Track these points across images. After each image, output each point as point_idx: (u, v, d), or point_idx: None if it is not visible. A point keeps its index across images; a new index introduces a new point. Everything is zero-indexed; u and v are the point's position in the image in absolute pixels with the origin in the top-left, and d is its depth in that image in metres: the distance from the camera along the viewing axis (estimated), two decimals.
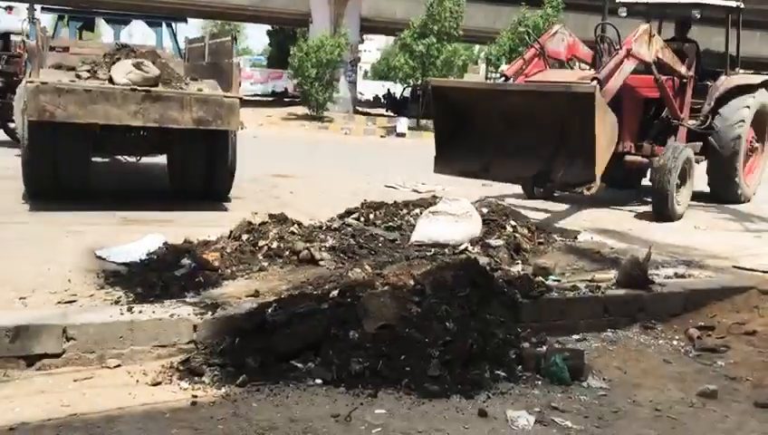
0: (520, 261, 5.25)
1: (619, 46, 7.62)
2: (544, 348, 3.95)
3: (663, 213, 7.97)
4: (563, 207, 8.58)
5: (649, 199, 8.53)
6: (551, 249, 5.81)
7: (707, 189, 9.71)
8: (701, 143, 9.19)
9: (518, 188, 9.08)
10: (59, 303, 3.87)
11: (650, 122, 8.97)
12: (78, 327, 3.47)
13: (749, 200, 9.76)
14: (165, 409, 3.08)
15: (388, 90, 36.79)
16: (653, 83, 8.28)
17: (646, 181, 9.60)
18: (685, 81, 8.90)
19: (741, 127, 9.25)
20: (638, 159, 8.71)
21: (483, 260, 4.77)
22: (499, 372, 3.63)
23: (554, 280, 4.75)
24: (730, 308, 4.73)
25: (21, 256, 4.85)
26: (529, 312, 4.23)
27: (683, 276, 5.18)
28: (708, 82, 9.45)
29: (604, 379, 3.74)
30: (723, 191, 9.54)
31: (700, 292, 4.81)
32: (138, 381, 3.35)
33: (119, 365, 3.48)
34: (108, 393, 3.20)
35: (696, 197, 9.08)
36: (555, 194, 9.04)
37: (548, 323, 4.28)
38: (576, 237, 6.36)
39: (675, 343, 4.35)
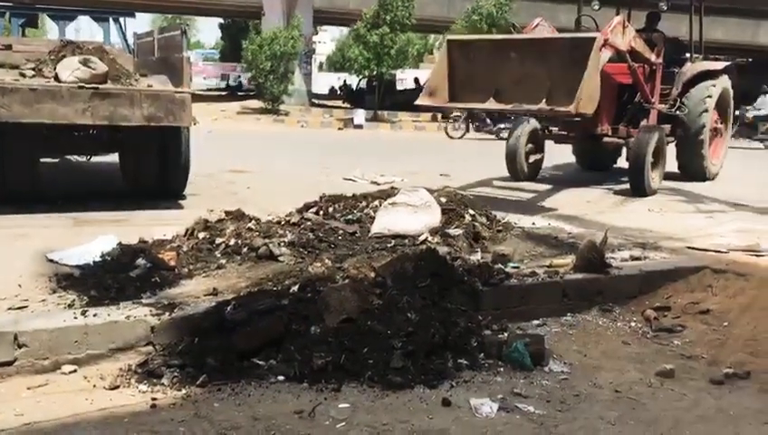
0: (479, 249, 5.27)
1: None
2: (506, 335, 3.98)
3: (639, 188, 8.79)
4: (545, 187, 9.29)
5: (624, 179, 9.37)
6: (509, 236, 5.85)
7: (677, 170, 10.48)
8: (670, 125, 10.02)
9: (498, 173, 10.00)
10: (9, 309, 3.75)
11: (624, 107, 9.72)
12: (30, 333, 3.36)
13: (715, 177, 10.68)
14: (123, 413, 3.01)
15: (344, 81, 36.65)
16: (626, 70, 8.93)
17: (619, 164, 10.54)
18: (654, 68, 9.59)
19: (705, 115, 10.13)
20: (615, 140, 9.59)
21: (442, 250, 4.78)
22: (462, 361, 3.64)
23: (513, 267, 4.79)
24: (685, 288, 4.83)
25: None
26: (489, 299, 4.25)
27: (639, 259, 5.26)
28: (675, 69, 10.25)
29: (565, 363, 3.79)
30: (691, 169, 10.43)
31: (655, 273, 4.90)
32: (95, 385, 3.27)
33: (74, 371, 3.38)
34: (64, 400, 3.12)
35: (667, 176, 9.74)
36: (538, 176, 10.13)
37: (508, 309, 4.31)
38: (534, 223, 6.43)
39: (633, 324, 4.43)
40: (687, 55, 10.83)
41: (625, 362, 3.86)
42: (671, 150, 10.14)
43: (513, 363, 3.68)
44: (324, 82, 43.32)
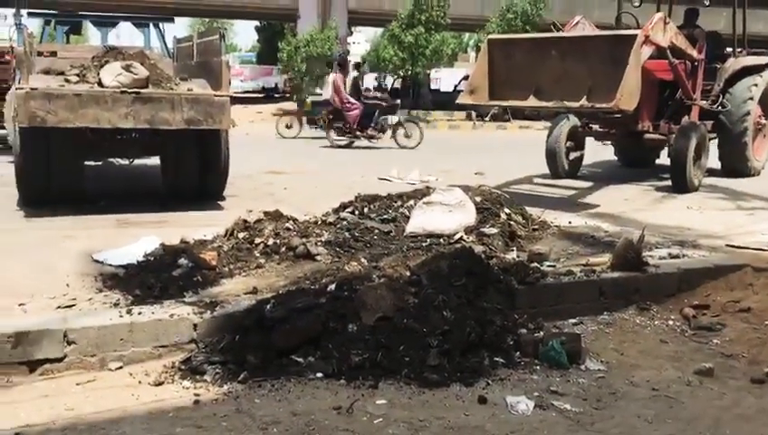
0: (515, 248, 5.28)
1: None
2: (542, 333, 3.98)
3: (681, 185, 8.77)
4: (584, 184, 9.30)
5: (665, 176, 9.38)
6: (545, 235, 5.85)
7: (719, 166, 10.39)
8: (712, 121, 9.91)
9: (537, 170, 10.06)
10: (58, 308, 3.89)
11: (666, 103, 9.65)
12: (78, 331, 3.49)
13: (759, 173, 10.50)
14: (168, 408, 3.11)
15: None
16: (667, 67, 8.84)
17: (661, 160, 10.50)
18: (696, 64, 9.48)
19: (749, 105, 9.98)
20: (657, 136, 9.52)
21: (478, 248, 4.81)
22: (498, 359, 3.67)
23: (549, 266, 4.79)
24: (724, 286, 4.77)
25: (18, 262, 4.86)
26: (525, 298, 4.27)
27: (677, 257, 5.21)
28: (717, 65, 10.15)
29: (602, 361, 3.79)
30: (733, 166, 10.30)
31: (694, 271, 4.84)
32: (140, 381, 3.39)
33: (120, 367, 3.51)
34: (111, 395, 3.23)
35: (710, 172, 9.76)
36: (578, 174, 10.15)
37: (544, 308, 4.32)
38: (570, 222, 6.41)
39: (670, 322, 4.39)
40: (729, 50, 10.67)
41: (663, 360, 3.84)
42: (713, 147, 10.03)
43: (549, 362, 3.69)
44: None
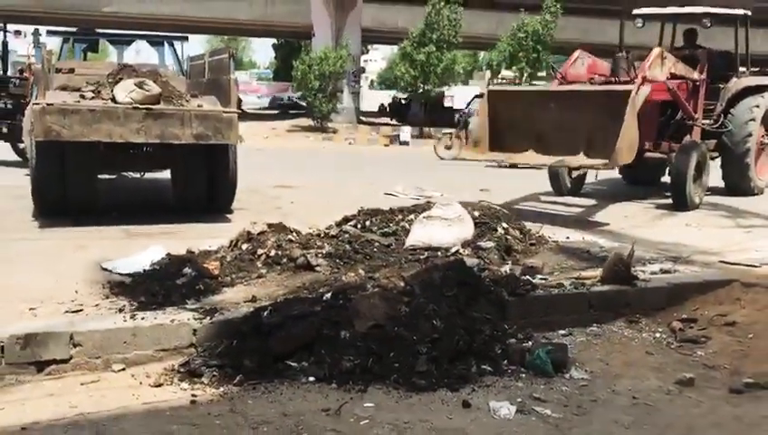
0: (510, 262, 5.41)
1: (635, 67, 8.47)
2: (530, 343, 4.12)
3: (681, 203, 8.86)
4: (586, 202, 9.47)
5: (668, 194, 9.46)
6: (542, 250, 5.98)
7: (722, 184, 10.47)
8: (715, 141, 10.02)
9: (541, 188, 10.14)
10: (66, 312, 4.08)
11: (667, 123, 9.78)
12: (84, 334, 3.68)
13: (762, 192, 10.56)
14: (166, 407, 3.28)
15: (393, 98, 37.03)
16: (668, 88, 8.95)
17: (666, 179, 10.43)
18: (698, 84, 9.61)
19: (751, 127, 10.05)
20: (657, 155, 9.65)
21: (471, 261, 4.95)
22: (485, 367, 3.80)
23: (542, 278, 4.92)
24: (713, 301, 4.88)
25: (31, 269, 5.08)
26: (516, 309, 4.40)
27: (668, 272, 5.32)
28: (720, 85, 10.22)
29: (586, 371, 3.91)
30: (736, 185, 10.38)
31: (683, 286, 4.96)
32: (141, 383, 3.56)
33: (123, 369, 3.68)
34: (113, 395, 3.41)
35: (714, 191, 9.87)
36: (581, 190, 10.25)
37: (534, 319, 4.45)
38: (568, 237, 6.54)
39: (657, 335, 4.51)
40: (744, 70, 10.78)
41: (646, 370, 3.96)
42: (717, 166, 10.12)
43: (535, 370, 3.83)
44: (375, 99, 43.85)
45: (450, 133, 17.93)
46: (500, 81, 25.53)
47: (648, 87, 8.10)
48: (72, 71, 8.63)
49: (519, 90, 10.15)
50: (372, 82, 63.25)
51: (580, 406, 3.46)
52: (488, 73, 32.91)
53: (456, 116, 17.54)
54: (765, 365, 3.98)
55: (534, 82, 24.91)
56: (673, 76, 8.69)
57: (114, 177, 9.64)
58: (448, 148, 17.03)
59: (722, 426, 3.30)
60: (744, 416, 3.40)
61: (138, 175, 9.36)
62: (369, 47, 47.81)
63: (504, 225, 6.04)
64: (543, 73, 25.12)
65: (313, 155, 17.62)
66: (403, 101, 31.84)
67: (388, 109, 37.17)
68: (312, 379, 3.58)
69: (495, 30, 28.69)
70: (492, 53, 26.74)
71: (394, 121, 29.21)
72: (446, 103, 33.28)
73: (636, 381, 3.80)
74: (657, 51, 8.54)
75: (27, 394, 3.40)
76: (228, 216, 7.71)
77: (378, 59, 69.83)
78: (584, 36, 31.29)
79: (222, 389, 3.48)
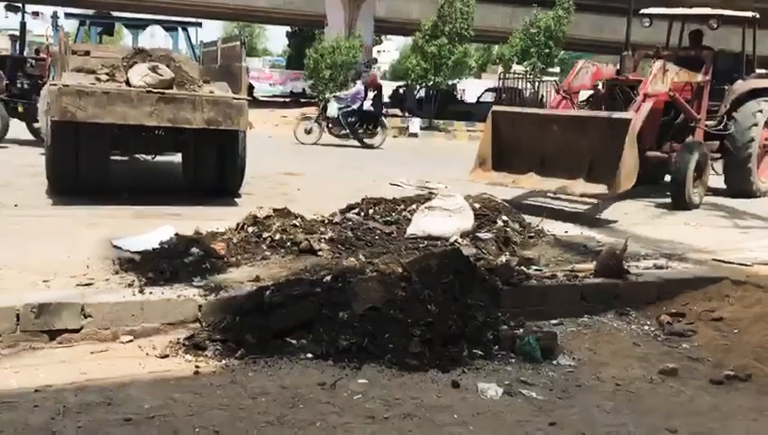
0: (507, 253, 5.57)
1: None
2: (521, 330, 4.27)
3: (680, 202, 8.95)
4: (591, 199, 9.28)
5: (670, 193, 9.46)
6: (540, 242, 6.13)
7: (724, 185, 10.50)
8: (717, 142, 10.06)
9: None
10: (78, 285, 4.27)
11: (670, 124, 9.84)
12: (95, 306, 3.87)
13: (765, 195, 10.58)
14: (170, 377, 3.47)
15: (403, 89, 37.03)
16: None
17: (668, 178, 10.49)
18: (702, 85, 9.70)
19: (753, 132, 10.05)
20: (658, 154, 9.71)
21: (468, 250, 5.11)
22: (476, 351, 3.97)
23: (537, 270, 5.07)
24: (702, 297, 5.01)
25: (44, 245, 5.27)
26: (509, 298, 4.56)
27: (661, 268, 5.47)
28: (725, 86, 10.25)
29: (574, 358, 4.06)
30: (738, 186, 10.38)
31: (674, 282, 5.10)
32: (147, 354, 3.74)
33: (131, 340, 3.87)
34: (120, 364, 3.60)
35: (715, 192, 9.96)
36: None
37: (528, 308, 4.60)
38: (566, 231, 6.68)
39: (646, 328, 4.66)
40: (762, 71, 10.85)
41: (632, 360, 4.11)
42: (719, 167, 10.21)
43: (524, 356, 3.98)
44: (387, 90, 43.79)
45: (310, 117, 17.85)
46: (512, 74, 25.54)
47: (650, 103, 8.30)
48: (87, 53, 8.81)
49: (523, 111, 10.23)
50: (385, 73, 63.21)
51: (564, 390, 3.61)
52: (500, 68, 32.97)
53: (323, 103, 17.75)
54: (747, 359, 4.12)
55: (545, 79, 24.98)
56: (674, 86, 8.83)
57: (126, 159, 9.84)
58: (308, 132, 16.91)
59: (700, 413, 3.45)
60: (722, 405, 3.55)
61: (149, 157, 9.55)
62: (383, 38, 47.79)
63: (504, 217, 6.20)
64: (557, 69, 25.09)
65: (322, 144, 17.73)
66: (402, 90, 31.83)
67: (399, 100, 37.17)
68: (309, 355, 3.75)
69: (510, 24, 28.75)
70: (503, 47, 26.77)
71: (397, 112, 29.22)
72: (459, 96, 33.37)
73: (621, 369, 3.95)
74: (658, 64, 8.69)
75: (40, 360, 3.59)
76: (236, 200, 7.89)
77: (392, 49, 69.78)
78: (597, 33, 31.37)
79: (224, 362, 3.65)
